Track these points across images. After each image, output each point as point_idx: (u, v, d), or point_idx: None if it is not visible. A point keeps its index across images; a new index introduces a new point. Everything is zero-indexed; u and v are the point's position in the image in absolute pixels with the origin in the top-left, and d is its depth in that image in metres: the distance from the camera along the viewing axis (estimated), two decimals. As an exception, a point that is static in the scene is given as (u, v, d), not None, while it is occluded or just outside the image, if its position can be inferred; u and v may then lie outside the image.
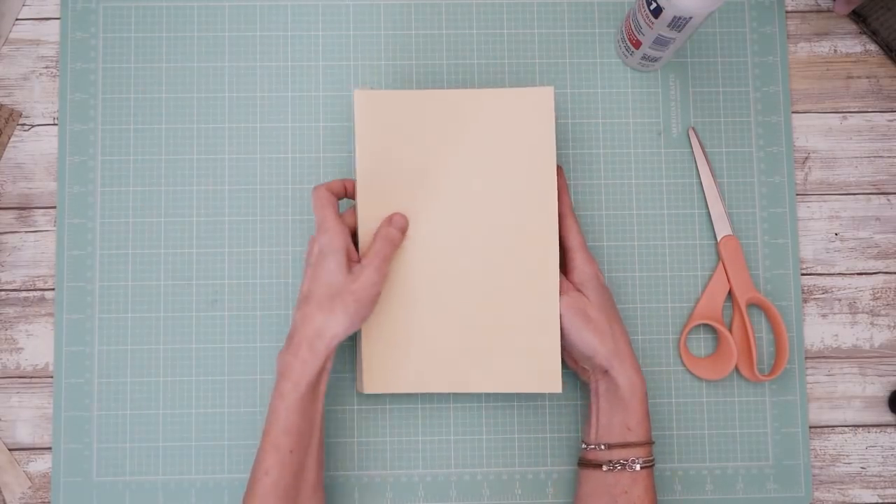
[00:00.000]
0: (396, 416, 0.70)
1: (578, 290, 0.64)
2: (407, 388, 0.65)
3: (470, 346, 0.65)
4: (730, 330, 0.70)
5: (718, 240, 0.71)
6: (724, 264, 0.70)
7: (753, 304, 0.71)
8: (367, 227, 0.65)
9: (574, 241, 0.65)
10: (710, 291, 0.70)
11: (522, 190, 0.65)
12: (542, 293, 0.64)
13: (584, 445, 0.64)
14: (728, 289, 0.70)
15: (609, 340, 0.62)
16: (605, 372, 0.62)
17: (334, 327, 0.60)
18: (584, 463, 0.64)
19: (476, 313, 0.65)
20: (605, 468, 0.61)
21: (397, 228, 0.64)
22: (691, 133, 0.72)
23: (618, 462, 0.61)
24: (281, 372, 0.60)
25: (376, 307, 0.63)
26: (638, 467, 0.61)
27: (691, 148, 0.72)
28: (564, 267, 0.66)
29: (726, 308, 0.71)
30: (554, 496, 0.69)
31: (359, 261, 0.63)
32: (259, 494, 0.59)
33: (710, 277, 0.71)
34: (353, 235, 0.65)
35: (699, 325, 0.71)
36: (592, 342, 0.62)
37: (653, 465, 0.62)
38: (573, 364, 0.67)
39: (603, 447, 0.62)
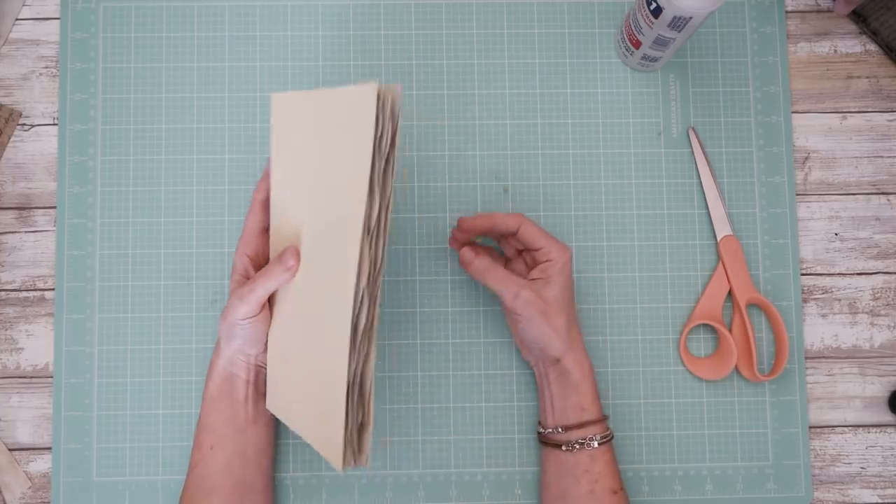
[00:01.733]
0: (396, 417, 0.70)
1: (542, 279, 0.62)
2: (281, 415, 0.62)
3: (304, 388, 0.59)
4: (730, 330, 0.70)
5: (718, 240, 0.71)
6: (724, 264, 0.70)
7: (753, 305, 0.71)
8: (275, 240, 0.62)
9: (542, 239, 0.63)
10: (710, 291, 0.70)
11: (334, 206, 0.55)
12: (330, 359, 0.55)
13: (540, 429, 0.65)
14: (728, 289, 0.70)
15: (564, 334, 0.62)
16: (557, 361, 0.63)
17: (220, 345, 0.63)
18: (544, 443, 0.64)
19: (318, 355, 0.58)
20: (564, 448, 0.62)
21: (283, 267, 0.59)
22: (691, 133, 0.72)
23: (576, 442, 0.62)
24: None
25: (276, 330, 0.61)
26: (596, 444, 0.62)
27: (691, 148, 0.72)
28: (538, 258, 0.63)
29: (726, 308, 0.71)
30: (554, 496, 0.69)
31: None
32: (188, 486, 0.63)
33: (710, 277, 0.71)
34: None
35: (699, 325, 0.71)
36: (549, 337, 0.62)
37: (610, 439, 0.63)
38: (523, 349, 0.67)
39: (560, 430, 0.63)
